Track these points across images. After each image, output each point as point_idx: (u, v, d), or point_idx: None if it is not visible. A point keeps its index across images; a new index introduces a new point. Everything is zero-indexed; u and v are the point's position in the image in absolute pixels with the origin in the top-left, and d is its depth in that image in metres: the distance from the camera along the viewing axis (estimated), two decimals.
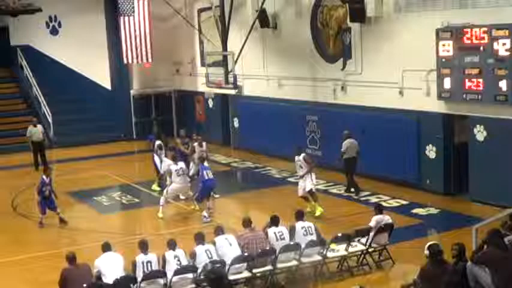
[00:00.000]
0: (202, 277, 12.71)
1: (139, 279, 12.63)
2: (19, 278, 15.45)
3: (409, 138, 21.10)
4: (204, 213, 19.15)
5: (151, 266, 12.82)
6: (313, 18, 24.90)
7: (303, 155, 19.24)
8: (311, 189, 18.91)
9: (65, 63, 34.95)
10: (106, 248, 13.10)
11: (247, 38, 25.98)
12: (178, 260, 13.00)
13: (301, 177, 19.18)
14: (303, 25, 25.31)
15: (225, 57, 26.48)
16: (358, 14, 22.21)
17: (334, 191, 21.74)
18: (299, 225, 14.53)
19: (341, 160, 21.31)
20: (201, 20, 31.52)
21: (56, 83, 34.22)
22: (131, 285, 12.68)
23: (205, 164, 20.00)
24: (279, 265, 13.93)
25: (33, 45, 35.25)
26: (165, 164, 20.93)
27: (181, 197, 20.86)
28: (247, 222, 14.27)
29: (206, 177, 19.32)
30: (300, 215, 14.85)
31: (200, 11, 31.63)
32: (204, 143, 22.32)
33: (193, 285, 13.07)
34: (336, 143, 21.98)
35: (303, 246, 14.04)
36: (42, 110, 33.48)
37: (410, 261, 14.45)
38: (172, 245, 13.22)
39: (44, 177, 19.47)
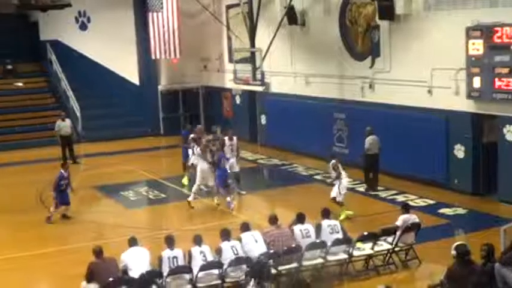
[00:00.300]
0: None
1: (165, 274, 12.66)
2: (47, 271, 15.63)
3: (438, 138, 20.95)
4: (228, 199, 19.70)
5: (177, 261, 12.84)
6: (342, 16, 24.81)
7: (332, 161, 19.03)
8: (334, 197, 18.65)
9: (93, 58, 35.16)
10: (132, 242, 13.16)
11: (275, 34, 25.97)
12: (204, 256, 13.02)
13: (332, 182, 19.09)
14: (331, 22, 25.22)
15: (252, 53, 26.51)
16: (387, 12, 22.09)
17: (361, 189, 21.63)
18: (325, 223, 14.50)
19: (362, 157, 21.29)
20: (229, 16, 31.53)
21: (84, 78, 34.44)
22: (157, 280, 12.73)
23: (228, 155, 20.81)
24: (305, 263, 13.90)
25: (62, 40, 35.51)
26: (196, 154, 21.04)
27: (204, 189, 20.92)
28: (273, 219, 14.26)
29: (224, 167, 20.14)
30: (326, 213, 14.81)
31: (228, 7, 31.63)
32: (234, 137, 22.30)
33: (219, 281, 13.10)
34: (363, 141, 21.90)
35: (328, 244, 14.01)
36: (70, 105, 33.70)
37: (436, 261, 14.35)
38: (198, 240, 13.23)
39: (63, 171, 19.61)
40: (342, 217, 18.03)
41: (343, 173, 18.77)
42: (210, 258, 13.09)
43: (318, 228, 14.37)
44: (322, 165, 23.61)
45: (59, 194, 19.39)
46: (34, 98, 34.55)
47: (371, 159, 21.26)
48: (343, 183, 18.66)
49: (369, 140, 21.21)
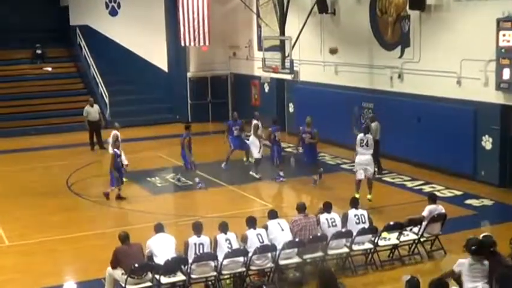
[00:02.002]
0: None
1: (190, 260, 12.70)
2: (73, 256, 15.79)
3: (465, 129, 20.83)
4: (281, 173, 21.73)
5: (203, 248, 12.86)
6: (372, 5, 24.68)
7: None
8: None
9: (122, 43, 35.32)
10: (158, 228, 13.19)
11: (305, 23, 25.88)
12: (230, 244, 13.04)
13: None
14: (361, 11, 25.12)
15: (282, 42, 26.41)
16: (418, 2, 21.95)
17: (388, 179, 21.59)
18: (352, 212, 14.48)
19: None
20: (260, 3, 31.47)
21: (113, 64, 34.63)
22: (182, 266, 12.81)
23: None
24: (330, 252, 13.92)
25: (92, 25, 35.68)
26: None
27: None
28: (301, 208, 14.24)
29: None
30: (354, 203, 14.79)
31: None
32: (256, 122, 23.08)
33: (244, 269, 13.15)
34: (391, 131, 21.88)
35: (354, 233, 14.01)
36: (99, 90, 33.90)
37: (462, 252, 14.27)
38: (224, 228, 13.25)
39: (116, 150, 19.95)
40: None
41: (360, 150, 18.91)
42: (235, 245, 13.11)
43: (345, 218, 14.37)
44: (349, 154, 23.60)
45: (117, 171, 19.84)
46: (63, 83, 34.83)
47: (376, 145, 21.36)
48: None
49: (374, 126, 21.43)
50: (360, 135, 19.08)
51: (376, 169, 21.19)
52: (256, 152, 22.58)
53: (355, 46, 25.57)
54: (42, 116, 32.34)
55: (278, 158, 22.45)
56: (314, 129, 21.51)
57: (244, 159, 24.06)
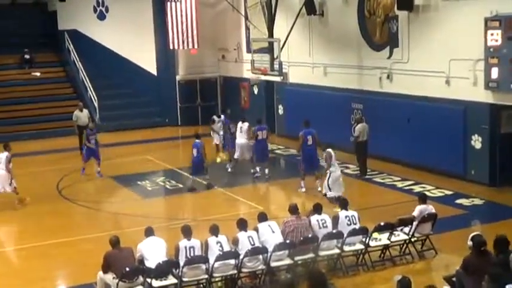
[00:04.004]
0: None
1: (181, 264, 12.68)
2: (65, 260, 15.75)
3: (455, 128, 20.87)
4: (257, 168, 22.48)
5: (194, 251, 12.84)
6: (360, 6, 24.72)
7: (328, 150, 19.12)
8: (325, 193, 18.68)
9: (111, 48, 35.24)
10: (149, 232, 13.16)
11: (293, 24, 25.89)
12: (221, 246, 13.00)
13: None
14: (349, 13, 25.15)
15: (270, 44, 26.42)
16: (406, 2, 21.98)
17: (378, 179, 21.62)
18: (343, 214, 14.48)
19: (353, 143, 21.87)
20: (248, 6, 31.49)
21: (102, 68, 34.58)
22: (173, 269, 12.78)
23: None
24: (321, 253, 13.92)
25: (80, 29, 35.59)
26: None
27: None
28: (294, 209, 14.23)
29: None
30: (344, 204, 14.79)
31: None
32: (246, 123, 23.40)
33: (235, 271, 13.13)
34: (381, 131, 21.93)
35: (345, 235, 14.01)
36: (88, 95, 33.82)
37: (453, 252, 14.32)
38: (215, 230, 13.21)
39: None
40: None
41: (335, 166, 18.75)
42: (226, 248, 13.08)
43: (335, 220, 14.36)
44: (339, 155, 23.57)
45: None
46: (52, 88, 34.73)
47: (360, 146, 21.75)
48: (332, 177, 18.61)
49: (360, 127, 21.74)
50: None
51: (359, 170, 21.70)
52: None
53: (343, 47, 25.59)
54: (31, 121, 32.25)
55: (260, 156, 22.52)
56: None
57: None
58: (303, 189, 20.61)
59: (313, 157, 20.75)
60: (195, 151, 21.20)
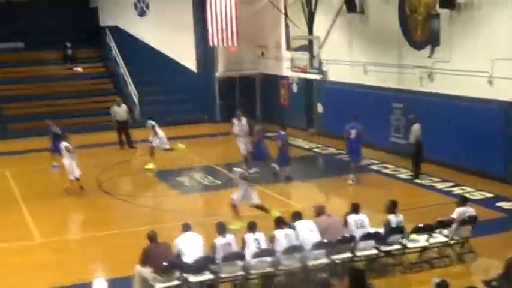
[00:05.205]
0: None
1: (218, 260, 12.72)
2: (103, 253, 15.94)
3: (497, 129, 20.56)
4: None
5: (230, 248, 12.89)
6: (402, 4, 24.49)
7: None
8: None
9: (151, 44, 35.42)
10: (186, 228, 13.22)
11: (333, 22, 25.75)
12: (258, 243, 13.03)
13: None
14: (390, 10, 24.92)
15: (310, 41, 26.36)
16: (448, 0, 21.73)
17: (417, 180, 21.38)
18: (393, 217, 14.29)
19: (413, 146, 21.21)
20: (288, 3, 31.40)
21: (142, 64, 34.74)
22: (210, 265, 12.78)
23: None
24: (358, 253, 13.81)
25: (121, 26, 35.84)
26: None
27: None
28: (319, 211, 14.19)
29: None
30: (393, 207, 14.56)
31: None
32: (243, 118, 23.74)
33: (271, 269, 13.10)
34: (422, 132, 21.72)
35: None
36: (128, 90, 34.03)
37: (492, 256, 14.12)
38: (252, 227, 13.24)
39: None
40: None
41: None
42: (263, 245, 13.09)
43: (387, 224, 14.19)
44: (378, 155, 23.51)
45: None
46: (93, 83, 35.04)
47: (417, 148, 21.19)
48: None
49: (417, 128, 21.21)
50: None
51: (413, 173, 21.38)
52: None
53: (384, 45, 25.38)
54: (71, 116, 32.50)
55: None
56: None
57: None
58: (350, 182, 21.04)
59: (353, 150, 21.20)
60: (279, 142, 21.55)
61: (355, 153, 21.41)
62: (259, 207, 17.48)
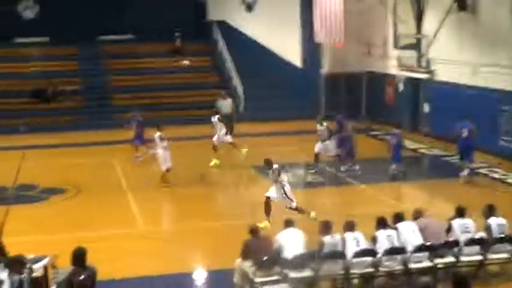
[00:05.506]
0: None
1: (319, 257, 12.67)
2: (204, 245, 16.11)
3: None
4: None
5: (335, 247, 12.82)
6: None
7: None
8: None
9: (257, 39, 35.60)
10: (288, 224, 13.24)
11: (443, 21, 25.20)
12: (358, 243, 12.93)
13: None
14: (503, 10, 24.18)
15: (418, 40, 25.89)
16: None
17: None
18: (492, 221, 13.87)
19: None
20: (396, 1, 30.92)
21: (248, 59, 34.99)
22: (310, 262, 12.73)
23: None
24: (463, 258, 13.44)
25: (228, 20, 36.19)
26: None
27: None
28: (418, 213, 13.98)
29: None
30: (490, 210, 14.14)
31: None
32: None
33: (372, 269, 12.94)
34: None
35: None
36: (233, 84, 34.31)
37: None
38: (350, 227, 13.15)
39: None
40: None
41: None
42: (363, 245, 12.97)
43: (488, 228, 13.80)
44: (486, 158, 22.90)
45: None
46: (199, 77, 35.54)
47: None
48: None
49: None
50: None
51: None
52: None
53: (495, 45, 24.64)
54: (177, 108, 33.04)
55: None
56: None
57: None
58: (461, 179, 20.98)
59: (466, 149, 21.04)
60: (394, 141, 21.56)
61: (468, 153, 21.11)
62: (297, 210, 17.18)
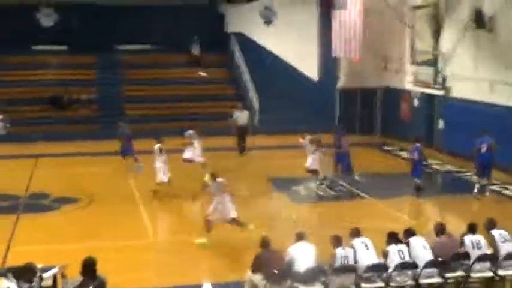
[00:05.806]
0: None
1: (329, 271, 12.73)
2: (213, 257, 16.03)
3: None
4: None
5: (347, 261, 12.87)
6: None
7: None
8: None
9: (275, 52, 35.70)
10: (300, 237, 13.24)
11: (461, 38, 25.17)
12: (366, 246, 13.11)
13: None
14: None
15: (435, 56, 25.88)
16: None
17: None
18: (496, 232, 13.91)
19: None
20: (413, 17, 30.92)
21: (264, 71, 35.09)
22: (321, 276, 12.75)
23: None
24: (474, 274, 13.44)
25: (246, 33, 36.31)
26: None
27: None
28: (440, 229, 13.93)
29: None
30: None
31: (413, 8, 31.04)
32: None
33: (383, 284, 12.96)
34: None
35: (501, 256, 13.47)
36: (250, 96, 34.38)
37: None
38: (356, 233, 13.34)
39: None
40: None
41: None
42: (371, 248, 13.14)
43: (492, 238, 13.81)
44: (500, 176, 22.82)
45: None
46: (215, 88, 35.66)
47: None
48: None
49: None
50: None
51: None
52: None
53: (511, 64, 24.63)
54: (192, 119, 33.07)
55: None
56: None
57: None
58: (475, 191, 21.05)
59: (484, 166, 21.10)
60: (416, 155, 21.45)
61: (486, 169, 21.11)
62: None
